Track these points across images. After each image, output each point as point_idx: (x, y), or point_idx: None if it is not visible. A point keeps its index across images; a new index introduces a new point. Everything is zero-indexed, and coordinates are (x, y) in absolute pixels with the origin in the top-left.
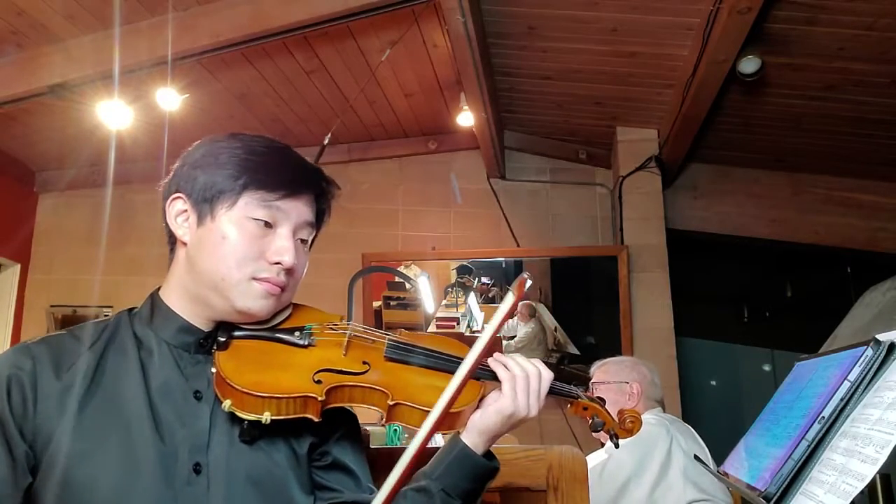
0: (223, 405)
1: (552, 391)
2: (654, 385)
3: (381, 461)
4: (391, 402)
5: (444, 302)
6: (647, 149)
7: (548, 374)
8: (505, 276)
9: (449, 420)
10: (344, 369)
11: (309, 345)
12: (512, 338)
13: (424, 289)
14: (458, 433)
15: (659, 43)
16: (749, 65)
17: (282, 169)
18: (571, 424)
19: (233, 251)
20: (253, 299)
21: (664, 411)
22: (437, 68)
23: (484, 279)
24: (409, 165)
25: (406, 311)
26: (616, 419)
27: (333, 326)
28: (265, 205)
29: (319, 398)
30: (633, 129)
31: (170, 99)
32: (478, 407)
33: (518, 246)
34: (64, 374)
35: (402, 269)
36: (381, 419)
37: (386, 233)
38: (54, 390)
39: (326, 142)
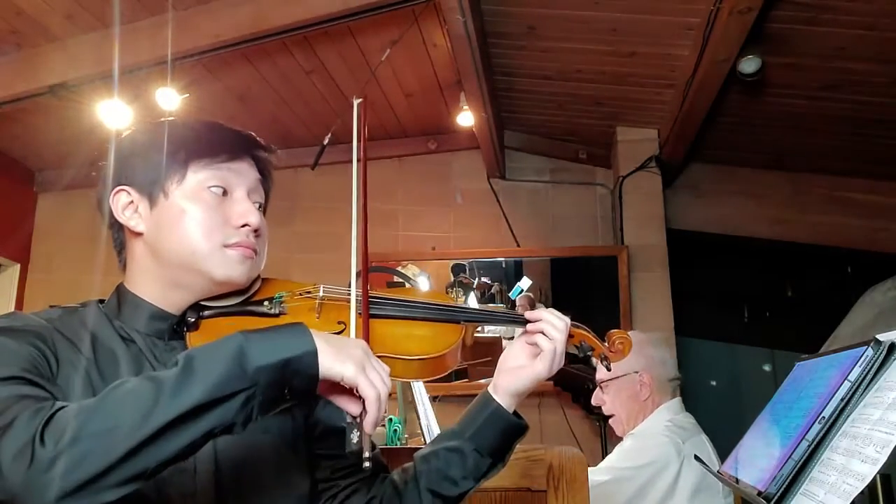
0: None
1: None
2: (663, 364)
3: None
4: None
5: (418, 291)
6: (647, 149)
7: (566, 324)
8: (505, 276)
9: (433, 364)
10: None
11: (280, 313)
12: (511, 338)
13: (424, 289)
14: (489, 393)
15: (659, 43)
16: (749, 65)
17: (217, 135)
18: (572, 425)
19: (197, 223)
20: (230, 267)
21: (680, 396)
22: (437, 68)
23: (483, 279)
24: (409, 165)
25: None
26: (605, 343)
27: (304, 292)
28: (215, 170)
29: None
30: (633, 129)
31: (170, 99)
32: (465, 343)
33: (518, 246)
34: (75, 352)
35: (401, 268)
36: None
37: (386, 233)
38: (70, 364)
39: (326, 142)
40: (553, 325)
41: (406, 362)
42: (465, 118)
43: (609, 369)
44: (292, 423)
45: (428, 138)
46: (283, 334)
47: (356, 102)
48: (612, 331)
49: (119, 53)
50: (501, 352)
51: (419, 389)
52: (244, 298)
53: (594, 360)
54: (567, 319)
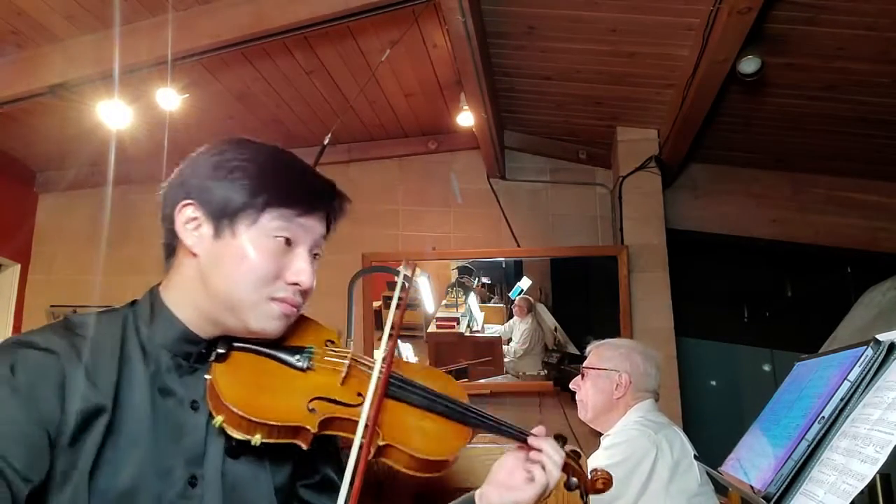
0: (214, 421)
1: None
2: (646, 376)
3: None
4: (381, 443)
5: (443, 302)
6: (647, 149)
7: (563, 462)
8: (505, 276)
9: (436, 465)
10: (339, 399)
11: (308, 368)
12: (509, 341)
13: (424, 289)
14: (475, 501)
15: (659, 43)
16: (749, 65)
17: (300, 184)
18: (572, 425)
19: (253, 271)
20: (268, 320)
21: (657, 401)
22: (437, 68)
23: (484, 280)
24: (409, 165)
25: (406, 311)
26: (589, 478)
27: (333, 350)
28: (287, 222)
29: (312, 430)
30: (633, 129)
31: (170, 99)
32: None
33: (518, 246)
34: (94, 378)
35: (402, 269)
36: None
37: (386, 233)
38: (86, 395)
39: (326, 142)
40: (553, 461)
41: (412, 458)
42: (465, 118)
43: (586, 503)
44: (285, 464)
45: (428, 138)
46: None
47: (403, 272)
48: (598, 469)
49: (119, 53)
50: (501, 351)
51: None
52: (275, 341)
53: (575, 491)
54: (563, 454)
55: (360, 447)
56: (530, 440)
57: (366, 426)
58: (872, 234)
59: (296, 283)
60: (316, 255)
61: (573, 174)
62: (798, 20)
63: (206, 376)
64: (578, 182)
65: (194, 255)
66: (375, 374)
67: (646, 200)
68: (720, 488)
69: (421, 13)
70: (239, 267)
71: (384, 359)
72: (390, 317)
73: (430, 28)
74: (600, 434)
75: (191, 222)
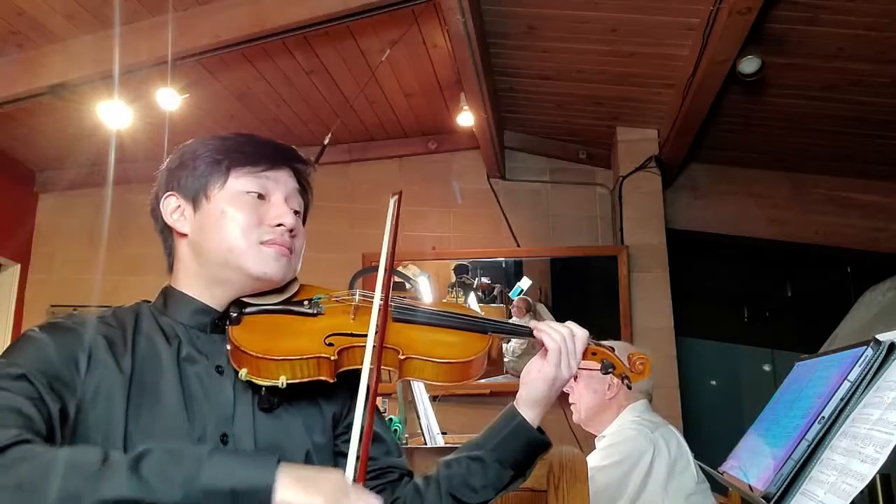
0: (240, 374)
1: None
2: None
3: None
4: (402, 357)
5: (444, 301)
6: (647, 149)
7: (581, 333)
8: (505, 276)
9: (461, 369)
10: (354, 332)
11: (318, 313)
12: (509, 340)
13: (424, 289)
14: (514, 406)
15: (659, 43)
16: (749, 65)
17: (258, 146)
18: (571, 424)
19: (235, 221)
20: (266, 263)
21: (651, 402)
22: (437, 68)
23: (484, 279)
24: (409, 165)
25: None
26: (626, 363)
27: (340, 297)
28: (254, 177)
29: (332, 358)
30: (633, 129)
31: (170, 99)
32: (491, 354)
33: (518, 246)
34: (115, 351)
35: (401, 269)
36: (395, 376)
37: None
38: (109, 364)
39: (326, 142)
40: (552, 328)
41: (436, 365)
42: (465, 118)
43: (630, 388)
44: (321, 421)
45: (428, 138)
46: (247, 463)
47: (392, 200)
48: (633, 352)
49: (119, 53)
50: (500, 351)
51: (419, 389)
52: (284, 298)
53: (615, 377)
54: (575, 328)
55: (377, 369)
56: (532, 325)
57: (375, 332)
58: (872, 234)
59: (280, 225)
60: (297, 211)
61: (573, 174)
62: (798, 20)
63: (227, 346)
64: (578, 182)
65: (184, 235)
66: (377, 294)
67: (646, 200)
68: (720, 488)
69: (421, 13)
70: (221, 222)
71: (384, 278)
72: (384, 247)
73: (430, 28)
74: (596, 436)
75: (175, 211)
